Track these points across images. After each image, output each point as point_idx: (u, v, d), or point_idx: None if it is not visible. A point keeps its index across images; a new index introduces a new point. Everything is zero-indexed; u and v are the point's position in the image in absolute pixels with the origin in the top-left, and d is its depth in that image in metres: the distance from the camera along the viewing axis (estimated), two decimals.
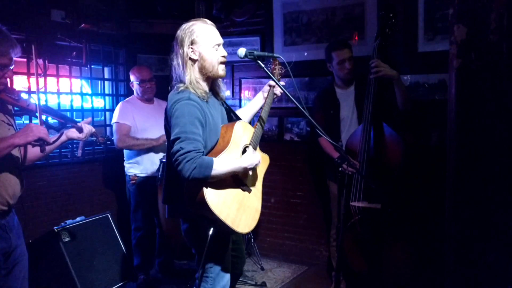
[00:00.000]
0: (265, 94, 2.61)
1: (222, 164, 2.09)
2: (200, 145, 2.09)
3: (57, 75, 3.89)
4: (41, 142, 2.10)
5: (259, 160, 2.27)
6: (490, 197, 1.83)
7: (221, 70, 2.28)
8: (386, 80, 3.02)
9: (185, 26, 2.26)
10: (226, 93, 4.36)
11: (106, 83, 4.47)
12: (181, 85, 2.23)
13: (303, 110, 2.34)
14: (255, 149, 2.39)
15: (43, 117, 2.26)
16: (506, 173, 1.83)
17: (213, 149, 2.22)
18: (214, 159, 2.07)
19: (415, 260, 2.98)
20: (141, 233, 3.78)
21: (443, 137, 3.38)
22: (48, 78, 3.83)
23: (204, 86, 2.29)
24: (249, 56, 2.30)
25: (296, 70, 4.05)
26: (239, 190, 2.24)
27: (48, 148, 2.27)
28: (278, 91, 2.60)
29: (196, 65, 2.25)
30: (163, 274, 3.96)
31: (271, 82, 2.60)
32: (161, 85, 4.09)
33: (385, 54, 3.11)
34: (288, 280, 3.91)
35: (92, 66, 4.22)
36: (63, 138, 2.40)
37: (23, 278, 2.24)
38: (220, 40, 2.29)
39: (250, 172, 2.32)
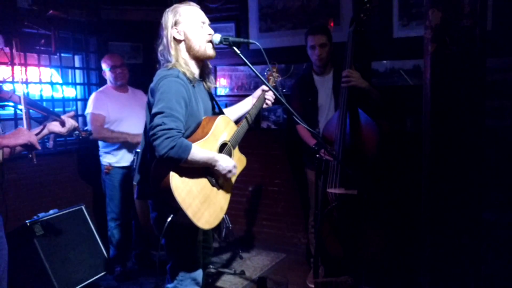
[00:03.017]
0: (254, 99, 2.56)
1: (199, 151, 2.04)
2: (182, 125, 2.03)
3: (25, 64, 3.76)
4: (29, 148, 2.10)
5: (231, 169, 2.18)
6: (463, 181, 1.86)
7: (209, 49, 2.23)
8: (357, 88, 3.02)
9: (168, 9, 2.23)
10: None
11: (77, 72, 4.34)
12: (170, 64, 2.17)
13: (280, 97, 2.32)
14: (234, 148, 2.34)
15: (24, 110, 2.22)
16: (479, 157, 1.86)
17: (189, 137, 2.17)
18: (193, 144, 2.02)
19: (391, 245, 3.03)
20: (116, 224, 3.72)
21: (418, 122, 3.41)
22: (15, 67, 3.69)
23: (193, 68, 2.23)
24: (224, 42, 2.25)
25: (272, 56, 4.02)
26: (207, 184, 2.17)
27: None
28: (269, 98, 2.56)
29: (182, 45, 2.20)
30: (140, 266, 3.92)
31: (264, 87, 2.56)
32: (135, 73, 4.00)
33: (360, 40, 3.11)
34: (267, 268, 3.92)
35: (62, 55, 4.09)
36: (45, 131, 2.37)
37: (2, 270, 2.20)
38: (205, 18, 2.25)
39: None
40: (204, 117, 2.25)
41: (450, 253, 1.89)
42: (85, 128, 2.84)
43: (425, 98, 1.90)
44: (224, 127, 2.29)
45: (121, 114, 3.62)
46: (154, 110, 2.02)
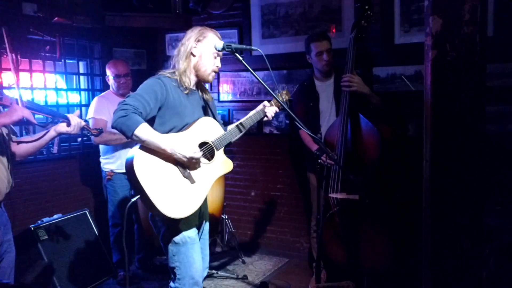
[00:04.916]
0: (256, 111, 2.65)
1: (149, 131, 2.14)
2: (141, 107, 2.16)
3: (30, 70, 3.80)
4: (26, 124, 2.23)
5: (187, 155, 2.17)
6: (465, 186, 1.86)
7: (210, 76, 2.42)
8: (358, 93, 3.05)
9: (198, 27, 2.45)
10: None
11: (82, 77, 4.38)
12: (169, 70, 2.38)
13: (282, 104, 2.36)
14: (217, 149, 2.41)
15: None
16: (480, 162, 1.87)
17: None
18: (145, 123, 2.14)
19: (393, 250, 3.03)
20: (119, 230, 3.74)
21: (420, 128, 3.42)
22: (21, 73, 3.72)
23: (192, 80, 2.40)
24: (226, 49, 2.29)
25: (274, 62, 4.06)
26: (178, 174, 2.23)
27: (38, 143, 2.41)
28: (270, 114, 2.62)
29: (193, 59, 2.38)
30: (143, 270, 3.93)
31: (266, 103, 2.64)
32: (138, 79, 4.02)
33: (362, 46, 3.13)
34: (270, 272, 3.92)
35: (67, 61, 4.13)
36: (52, 133, 2.44)
37: (9, 274, 2.25)
38: (221, 52, 2.39)
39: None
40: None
41: (451, 258, 1.90)
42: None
43: (426, 104, 1.92)
44: (207, 127, 2.41)
45: None
46: None
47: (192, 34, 2.39)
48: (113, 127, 2.15)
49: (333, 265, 3.37)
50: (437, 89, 1.86)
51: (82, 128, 2.53)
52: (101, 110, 3.62)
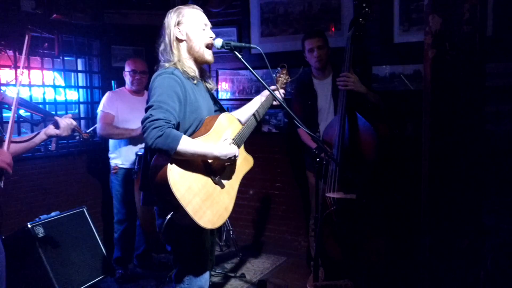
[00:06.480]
0: (263, 98, 2.56)
1: (191, 143, 1.98)
2: (172, 117, 1.98)
3: (28, 67, 3.78)
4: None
5: (234, 153, 2.14)
6: (463, 186, 1.87)
7: (207, 54, 2.23)
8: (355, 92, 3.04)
9: (172, 10, 2.25)
10: None
11: (80, 75, 4.36)
12: (167, 63, 2.16)
13: (281, 103, 2.35)
14: (239, 146, 2.29)
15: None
16: (478, 162, 1.87)
17: (192, 135, 2.14)
18: (183, 135, 1.97)
19: (390, 249, 3.03)
20: (124, 226, 3.78)
21: (419, 127, 3.42)
22: (19, 70, 3.71)
23: (194, 67, 2.23)
24: (225, 47, 2.26)
25: (273, 61, 4.04)
26: (210, 182, 2.11)
27: (27, 144, 2.31)
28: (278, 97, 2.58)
29: (183, 45, 2.21)
30: (141, 267, 3.93)
31: (273, 87, 2.55)
32: None
33: (360, 45, 3.13)
34: (267, 271, 3.92)
35: (65, 58, 4.11)
36: (42, 136, 2.36)
37: (0, 275, 2.18)
38: (207, 21, 2.26)
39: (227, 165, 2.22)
40: (207, 117, 2.24)
41: (450, 257, 1.90)
42: (88, 130, 2.84)
43: (425, 103, 1.92)
44: (227, 125, 2.28)
45: (130, 115, 3.68)
46: (146, 106, 2.05)
47: (170, 21, 2.20)
48: (151, 149, 1.94)
49: (331, 263, 3.37)
50: (436, 88, 1.86)
51: (73, 130, 2.47)
52: (110, 105, 3.71)
